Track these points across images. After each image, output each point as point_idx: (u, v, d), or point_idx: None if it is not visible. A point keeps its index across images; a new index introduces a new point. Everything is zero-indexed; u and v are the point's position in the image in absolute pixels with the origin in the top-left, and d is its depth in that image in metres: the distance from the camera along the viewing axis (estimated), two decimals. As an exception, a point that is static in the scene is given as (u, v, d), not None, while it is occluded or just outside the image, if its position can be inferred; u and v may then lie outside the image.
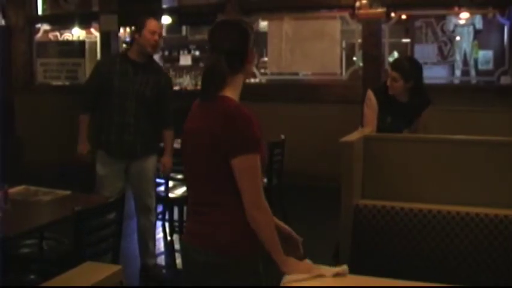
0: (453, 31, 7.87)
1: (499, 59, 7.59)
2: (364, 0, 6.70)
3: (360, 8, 6.74)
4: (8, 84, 8.33)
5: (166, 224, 5.18)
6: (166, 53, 9.89)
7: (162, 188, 4.71)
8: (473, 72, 8.14)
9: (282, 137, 5.29)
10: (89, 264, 2.66)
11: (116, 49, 8.07)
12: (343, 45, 7.77)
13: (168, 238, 5.14)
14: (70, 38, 8.90)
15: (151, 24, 3.85)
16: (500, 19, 7.04)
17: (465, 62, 8.23)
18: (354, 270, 2.69)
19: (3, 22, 8.51)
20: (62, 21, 8.74)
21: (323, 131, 6.64)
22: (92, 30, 8.53)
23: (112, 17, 7.81)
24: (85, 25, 8.59)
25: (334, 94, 6.94)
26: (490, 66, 8.01)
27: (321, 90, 7.16)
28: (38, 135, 8.12)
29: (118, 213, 3.12)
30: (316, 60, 7.26)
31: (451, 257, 2.61)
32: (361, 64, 7.09)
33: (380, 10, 6.68)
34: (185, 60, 9.79)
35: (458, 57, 8.14)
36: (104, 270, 2.56)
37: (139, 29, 3.85)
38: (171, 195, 4.79)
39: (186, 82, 9.56)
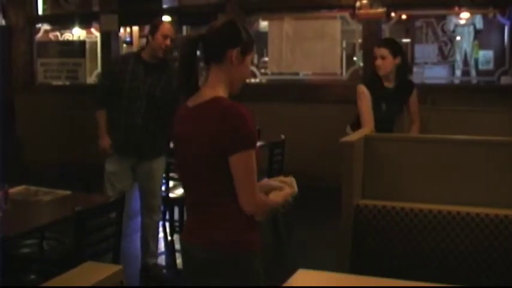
0: (453, 31, 7.87)
1: (499, 59, 7.59)
2: (364, 0, 6.70)
3: (360, 8, 6.74)
4: (8, 84, 8.33)
5: (167, 224, 5.18)
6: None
7: (162, 188, 4.72)
8: (473, 72, 8.14)
9: (282, 137, 5.29)
10: (90, 264, 2.66)
11: (116, 49, 8.07)
12: (344, 45, 7.77)
13: (169, 238, 5.14)
14: (70, 38, 8.90)
15: (164, 27, 3.86)
16: (501, 19, 7.04)
17: (465, 62, 8.23)
18: (354, 270, 2.70)
19: (3, 22, 8.51)
20: (62, 21, 8.74)
21: (323, 131, 6.64)
22: (93, 30, 8.53)
23: (112, 17, 7.81)
24: (85, 25, 8.59)
25: (335, 94, 6.94)
26: (491, 66, 8.01)
27: (321, 90, 7.16)
28: (38, 135, 8.12)
29: (118, 213, 3.12)
30: (316, 60, 7.26)
31: (451, 257, 2.61)
32: (361, 64, 7.09)
33: (380, 10, 6.68)
34: (185, 60, 9.78)
35: (458, 57, 8.14)
36: (104, 270, 2.56)
37: (152, 31, 3.85)
38: (171, 195, 4.79)
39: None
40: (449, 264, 2.61)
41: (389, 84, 3.92)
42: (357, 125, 3.93)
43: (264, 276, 2.10)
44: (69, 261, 2.77)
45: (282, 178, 2.22)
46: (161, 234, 4.91)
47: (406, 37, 8.43)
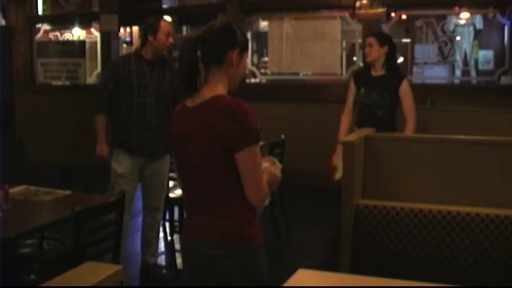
0: (453, 31, 7.87)
1: (499, 59, 7.59)
2: (364, 0, 6.70)
3: (360, 8, 6.74)
4: (8, 84, 8.33)
5: (167, 224, 5.18)
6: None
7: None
8: (473, 72, 8.14)
9: (282, 137, 5.29)
10: (90, 264, 2.66)
11: (116, 49, 8.07)
12: (344, 45, 7.77)
13: (169, 238, 5.14)
14: (70, 38, 8.90)
15: (165, 26, 3.88)
16: (501, 19, 7.03)
17: (465, 62, 8.23)
18: (354, 270, 2.70)
19: (3, 22, 8.51)
20: (62, 21, 8.74)
21: (323, 131, 6.63)
22: (92, 30, 8.53)
23: (112, 17, 7.81)
24: (85, 25, 8.59)
25: (335, 94, 6.92)
26: (491, 66, 8.01)
27: (321, 90, 7.15)
28: (38, 135, 8.12)
29: (118, 213, 3.12)
30: (316, 60, 7.26)
31: (451, 257, 2.61)
32: (361, 64, 7.08)
33: (380, 10, 6.68)
34: (185, 60, 9.78)
35: (458, 57, 8.14)
36: (104, 270, 2.56)
37: (153, 31, 3.86)
38: (171, 195, 4.79)
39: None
40: (449, 264, 2.61)
41: (375, 73, 4.22)
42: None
43: (267, 270, 2.13)
44: (69, 261, 2.77)
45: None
46: (161, 234, 4.91)
47: (406, 37, 8.43)
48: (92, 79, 8.38)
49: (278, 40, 7.39)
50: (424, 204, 2.71)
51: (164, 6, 8.06)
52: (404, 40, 8.44)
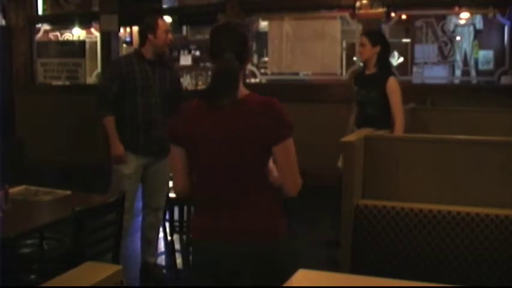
0: (453, 31, 7.86)
1: (499, 59, 7.58)
2: (364, 0, 6.70)
3: (360, 8, 6.74)
4: (9, 84, 8.33)
5: (167, 224, 5.18)
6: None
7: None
8: (473, 72, 8.13)
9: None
10: (90, 264, 2.66)
11: (116, 49, 8.07)
12: (344, 45, 7.76)
13: (169, 238, 5.14)
14: (70, 38, 8.90)
15: (163, 24, 3.94)
16: (501, 19, 7.03)
17: (465, 62, 8.22)
18: (354, 270, 2.70)
19: (3, 22, 8.51)
20: (62, 21, 8.74)
21: (323, 130, 6.64)
22: (92, 30, 8.53)
23: (112, 17, 7.81)
24: (85, 25, 8.59)
25: (335, 94, 6.94)
26: (491, 66, 8.00)
27: (321, 90, 7.15)
28: (38, 135, 8.12)
29: (118, 213, 3.12)
30: (316, 60, 7.26)
31: (451, 257, 2.61)
32: (361, 64, 7.07)
33: (380, 10, 6.68)
34: (185, 60, 9.78)
35: (458, 57, 8.14)
36: (104, 270, 2.57)
37: (153, 30, 3.89)
38: (171, 195, 4.79)
39: (186, 82, 9.54)
40: (449, 264, 2.61)
41: (368, 71, 4.32)
42: None
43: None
44: (69, 261, 2.78)
45: None
46: (161, 234, 4.91)
47: (406, 37, 8.42)
48: (92, 79, 8.38)
49: (278, 40, 7.39)
50: (424, 204, 2.70)
51: (164, 6, 8.06)
52: (404, 40, 8.43)
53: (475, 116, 4.92)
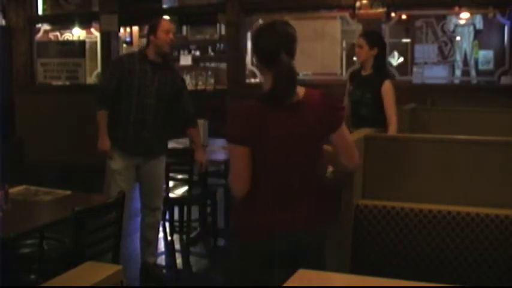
0: (453, 31, 7.87)
1: (499, 59, 7.58)
2: (364, 0, 6.70)
3: (360, 8, 6.74)
4: (9, 84, 8.33)
5: (167, 224, 5.18)
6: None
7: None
8: (473, 72, 8.14)
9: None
10: (90, 264, 2.66)
11: (116, 49, 8.07)
12: (344, 45, 7.76)
13: (169, 238, 5.15)
14: (70, 38, 8.90)
15: (164, 24, 3.96)
16: (501, 19, 7.03)
17: (465, 62, 8.23)
18: (354, 270, 2.70)
19: (3, 22, 8.51)
20: (62, 21, 8.74)
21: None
22: (92, 30, 8.53)
23: (112, 17, 7.81)
24: (85, 25, 8.59)
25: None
26: (491, 66, 8.01)
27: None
28: (38, 135, 8.12)
29: (118, 213, 3.12)
30: (316, 60, 7.26)
31: (451, 257, 2.61)
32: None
33: (380, 10, 6.68)
34: (185, 60, 9.78)
35: (458, 57, 8.14)
36: (104, 270, 2.56)
37: (153, 30, 3.92)
38: (171, 195, 4.79)
39: (186, 82, 9.54)
40: (449, 264, 2.61)
41: (365, 72, 4.34)
42: None
43: None
44: (69, 261, 2.77)
45: None
46: (161, 234, 4.92)
47: (406, 37, 8.42)
48: (92, 79, 8.38)
49: (278, 40, 7.38)
50: (424, 204, 2.70)
51: (164, 6, 8.06)
52: (404, 40, 8.43)
53: (475, 116, 4.92)
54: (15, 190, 3.46)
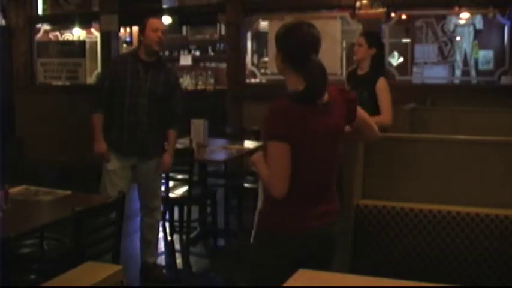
0: (453, 31, 7.86)
1: (499, 59, 7.57)
2: (364, 0, 6.70)
3: (360, 8, 6.73)
4: (9, 84, 8.32)
5: (167, 224, 5.18)
6: (166, 53, 9.87)
7: (162, 188, 4.72)
8: (473, 72, 8.13)
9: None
10: (90, 264, 2.66)
11: (116, 49, 8.06)
12: (344, 45, 7.76)
13: (169, 238, 5.14)
14: (70, 38, 8.89)
15: (152, 22, 3.94)
16: (501, 19, 7.03)
17: (465, 62, 8.22)
18: (354, 270, 2.70)
19: (3, 22, 8.50)
20: (62, 21, 8.73)
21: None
22: (92, 30, 8.52)
23: (112, 17, 7.81)
24: (85, 25, 8.58)
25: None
26: (491, 66, 8.00)
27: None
28: (38, 135, 8.12)
29: (118, 213, 3.12)
30: (316, 60, 7.24)
31: (451, 257, 2.61)
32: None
33: (380, 10, 6.67)
34: (185, 60, 9.78)
35: (458, 57, 8.13)
36: (104, 270, 2.57)
37: (142, 30, 3.94)
38: (171, 195, 4.79)
39: (186, 82, 9.55)
40: (449, 264, 2.61)
41: (361, 72, 4.39)
42: None
43: None
44: (69, 261, 2.78)
45: None
46: (161, 234, 4.92)
47: (406, 37, 8.41)
48: (92, 79, 8.38)
49: (278, 40, 7.37)
50: (424, 204, 2.71)
51: (164, 6, 8.05)
52: (404, 40, 8.42)
53: (475, 116, 4.92)
54: (15, 190, 3.45)
